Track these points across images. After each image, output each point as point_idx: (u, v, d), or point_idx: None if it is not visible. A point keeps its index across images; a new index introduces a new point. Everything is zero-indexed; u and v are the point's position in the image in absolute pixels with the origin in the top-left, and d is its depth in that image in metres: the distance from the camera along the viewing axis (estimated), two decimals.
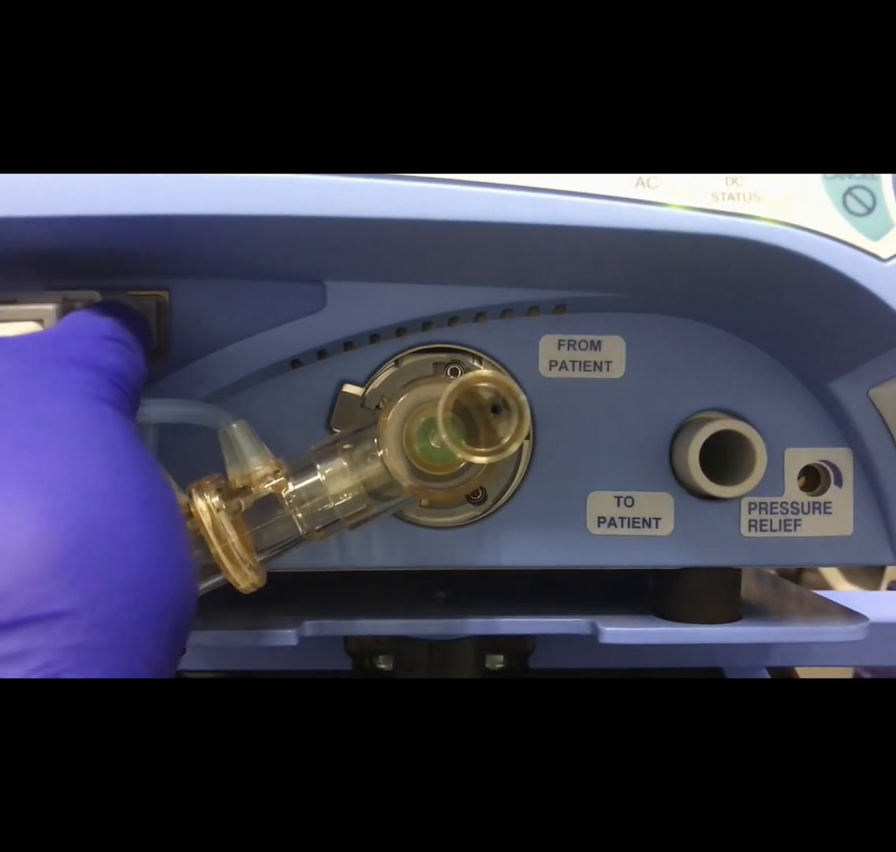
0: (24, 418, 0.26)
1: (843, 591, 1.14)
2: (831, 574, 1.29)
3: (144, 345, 0.32)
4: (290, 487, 0.33)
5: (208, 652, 0.50)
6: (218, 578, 0.32)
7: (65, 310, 0.32)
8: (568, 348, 0.38)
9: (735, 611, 0.40)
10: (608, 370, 0.39)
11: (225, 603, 0.33)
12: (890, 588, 1.20)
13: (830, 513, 0.39)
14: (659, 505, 0.39)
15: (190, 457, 0.34)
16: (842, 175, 0.31)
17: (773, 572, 0.57)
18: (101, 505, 0.25)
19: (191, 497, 0.32)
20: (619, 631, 0.38)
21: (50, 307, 0.33)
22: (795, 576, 1.20)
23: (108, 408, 0.28)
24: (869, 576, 1.28)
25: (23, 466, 0.25)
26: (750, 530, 0.39)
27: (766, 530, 0.39)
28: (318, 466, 0.34)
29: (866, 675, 0.79)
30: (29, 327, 0.32)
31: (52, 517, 0.24)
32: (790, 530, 0.39)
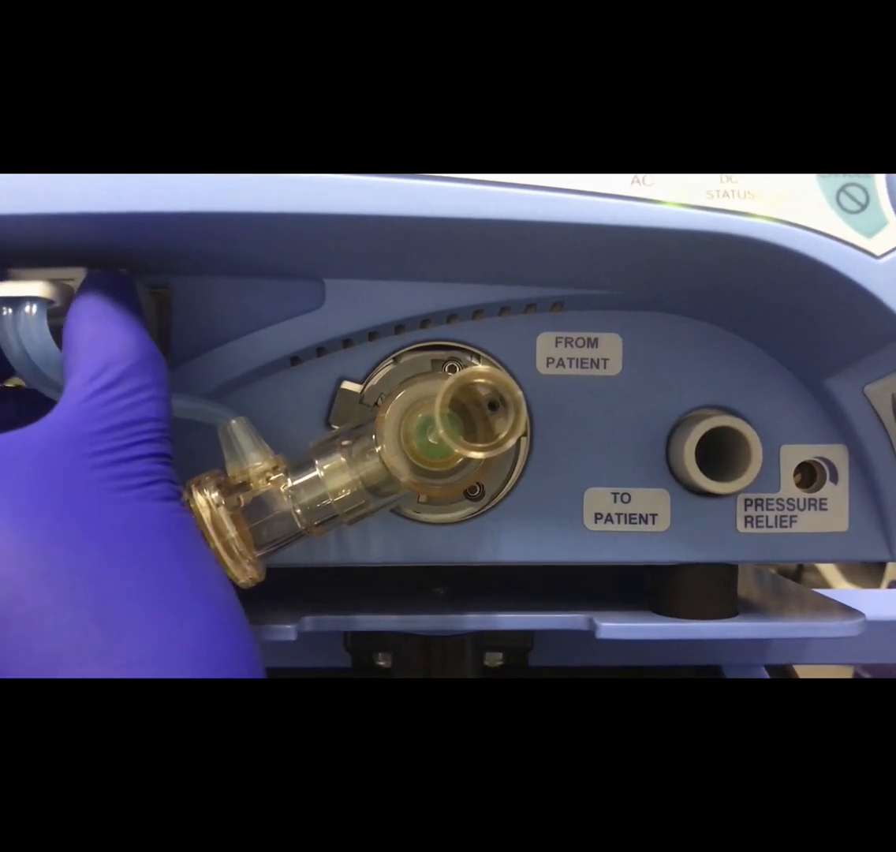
0: (106, 551, 0.27)
1: (843, 590, 1.14)
2: (831, 573, 1.29)
3: (143, 319, 0.32)
4: (289, 483, 0.34)
5: None
6: None
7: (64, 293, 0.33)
8: (565, 345, 0.39)
9: (731, 606, 0.40)
10: (605, 367, 0.39)
11: None
12: (890, 587, 1.20)
13: (826, 509, 0.39)
14: (655, 501, 0.39)
15: (189, 452, 0.35)
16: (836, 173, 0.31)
17: (772, 571, 0.57)
18: (222, 653, 0.28)
19: (190, 492, 0.33)
20: (616, 626, 0.38)
21: (80, 270, 0.33)
22: (796, 575, 1.20)
23: (176, 514, 0.30)
24: (869, 575, 1.28)
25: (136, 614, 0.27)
26: (746, 526, 0.39)
27: (761, 526, 0.39)
28: (316, 462, 0.34)
29: (866, 675, 0.79)
30: (40, 287, 0.32)
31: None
32: (786, 526, 0.39)
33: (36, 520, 0.27)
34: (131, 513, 0.28)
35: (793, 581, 0.53)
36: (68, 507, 0.27)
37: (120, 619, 0.26)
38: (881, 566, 1.24)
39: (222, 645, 0.28)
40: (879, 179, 0.31)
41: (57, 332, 0.32)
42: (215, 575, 0.30)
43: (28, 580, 0.26)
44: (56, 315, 0.32)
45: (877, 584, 1.24)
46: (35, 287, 0.32)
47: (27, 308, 0.32)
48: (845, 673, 0.83)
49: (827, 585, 1.26)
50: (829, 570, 1.30)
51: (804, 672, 0.62)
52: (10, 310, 0.32)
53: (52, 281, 0.32)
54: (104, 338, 0.31)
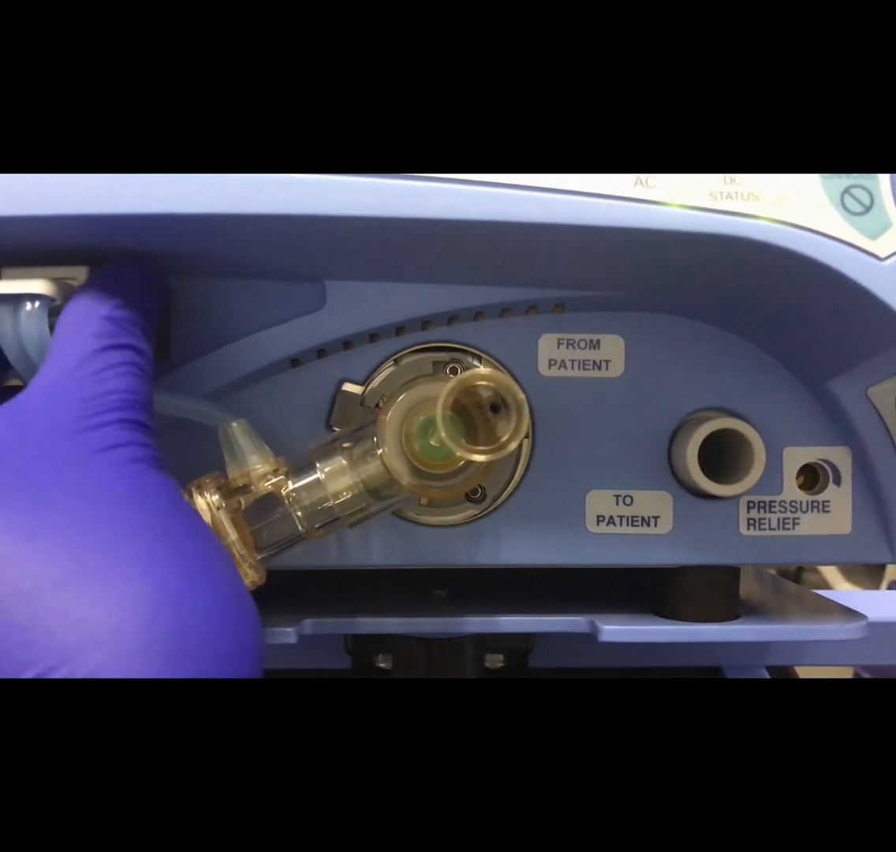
0: (77, 512, 0.27)
1: (843, 591, 1.14)
2: (831, 573, 1.29)
3: (149, 307, 0.32)
4: (290, 486, 0.34)
5: None
6: None
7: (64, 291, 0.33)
8: (567, 347, 0.39)
9: (733, 609, 0.40)
10: (607, 369, 0.39)
11: None
12: (890, 587, 1.20)
13: (829, 511, 0.39)
14: (658, 503, 0.39)
15: (190, 455, 0.35)
16: (840, 174, 0.31)
17: (773, 572, 0.57)
18: (188, 607, 0.27)
19: (191, 495, 0.32)
20: (618, 629, 0.38)
21: (82, 269, 0.33)
22: (796, 575, 1.20)
23: (146, 474, 0.29)
24: (869, 576, 1.28)
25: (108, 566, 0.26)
26: (748, 529, 0.39)
27: (764, 529, 0.39)
28: (317, 465, 0.34)
29: (866, 675, 0.79)
30: (41, 285, 0.32)
31: (151, 634, 0.26)
32: (788, 529, 0.39)
33: None
34: (92, 476, 0.28)
35: (793, 581, 0.53)
36: (25, 472, 0.27)
37: (61, 580, 0.26)
38: (881, 567, 1.24)
39: (188, 608, 0.26)
40: (884, 180, 0.31)
41: None
42: (193, 536, 0.28)
43: None
44: (56, 313, 0.32)
45: (877, 585, 1.24)
46: (36, 284, 0.32)
47: (28, 305, 0.32)
48: (845, 673, 0.83)
49: (827, 586, 1.26)
50: (829, 571, 1.30)
51: (804, 672, 0.62)
52: (11, 308, 0.32)
53: (54, 279, 0.32)
54: (81, 326, 0.31)
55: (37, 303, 0.32)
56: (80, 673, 0.25)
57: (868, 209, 0.31)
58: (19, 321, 0.32)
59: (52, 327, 0.32)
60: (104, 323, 0.31)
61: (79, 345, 0.30)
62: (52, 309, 0.32)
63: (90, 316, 0.31)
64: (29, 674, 0.25)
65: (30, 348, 0.32)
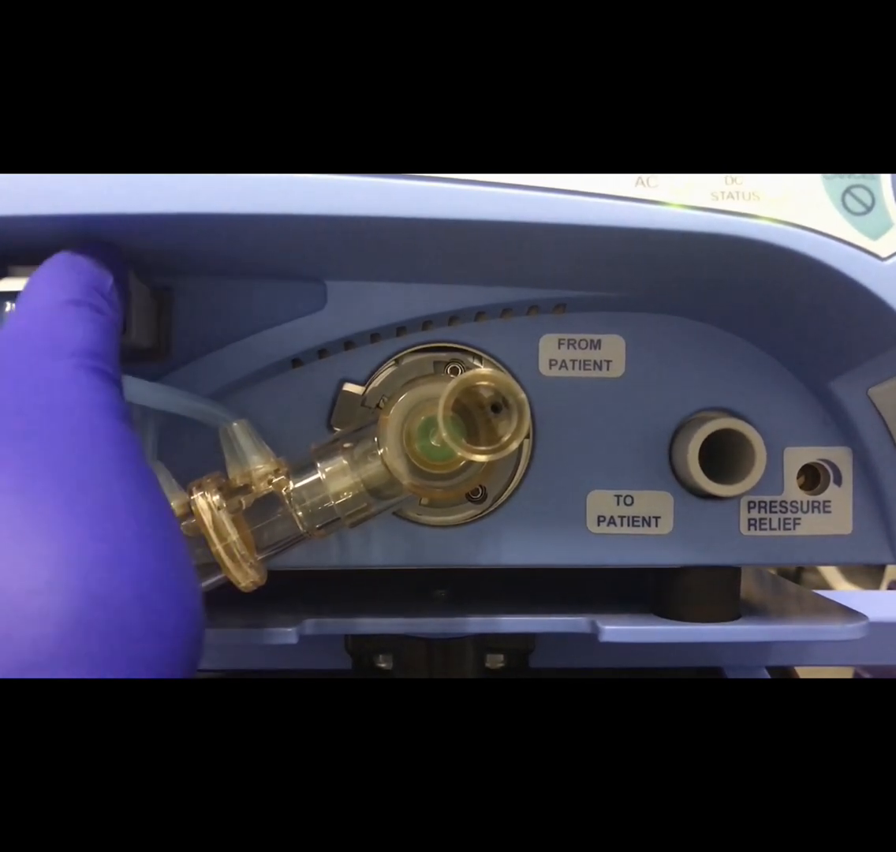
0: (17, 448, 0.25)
1: (843, 591, 1.14)
2: (831, 573, 1.29)
3: (115, 279, 0.31)
4: (291, 486, 0.34)
5: (208, 650, 0.49)
6: (219, 577, 0.33)
7: None
8: (568, 347, 0.39)
9: (734, 609, 0.40)
10: (608, 369, 0.39)
11: (225, 601, 0.33)
12: (890, 588, 1.20)
13: (829, 511, 0.39)
14: (658, 504, 0.39)
15: (190, 454, 0.35)
16: (841, 174, 0.31)
17: (773, 572, 0.57)
18: (124, 574, 0.25)
19: (191, 495, 0.32)
20: (619, 629, 0.38)
21: None
22: (795, 575, 1.20)
23: (111, 424, 0.27)
24: (869, 575, 1.28)
25: (28, 517, 0.24)
26: (749, 529, 0.39)
27: (765, 529, 0.39)
28: (318, 465, 0.34)
29: (866, 675, 0.79)
30: None
31: (64, 590, 0.24)
32: (789, 529, 0.39)
33: None
34: (55, 418, 0.26)
35: (792, 581, 0.53)
36: None
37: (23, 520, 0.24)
38: (881, 567, 1.24)
39: (124, 575, 0.24)
40: (885, 180, 0.31)
41: None
42: (141, 498, 0.26)
43: None
44: None
45: (877, 585, 1.24)
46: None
47: None
48: (846, 673, 0.83)
49: (827, 586, 1.26)
50: (829, 571, 1.30)
51: (804, 672, 0.62)
52: (10, 304, 0.32)
53: None
54: (51, 282, 0.30)
55: None
56: None
57: (869, 209, 0.31)
58: None
59: None
60: (72, 285, 0.30)
61: (48, 295, 0.29)
62: None
63: (61, 276, 0.30)
64: None
65: None
